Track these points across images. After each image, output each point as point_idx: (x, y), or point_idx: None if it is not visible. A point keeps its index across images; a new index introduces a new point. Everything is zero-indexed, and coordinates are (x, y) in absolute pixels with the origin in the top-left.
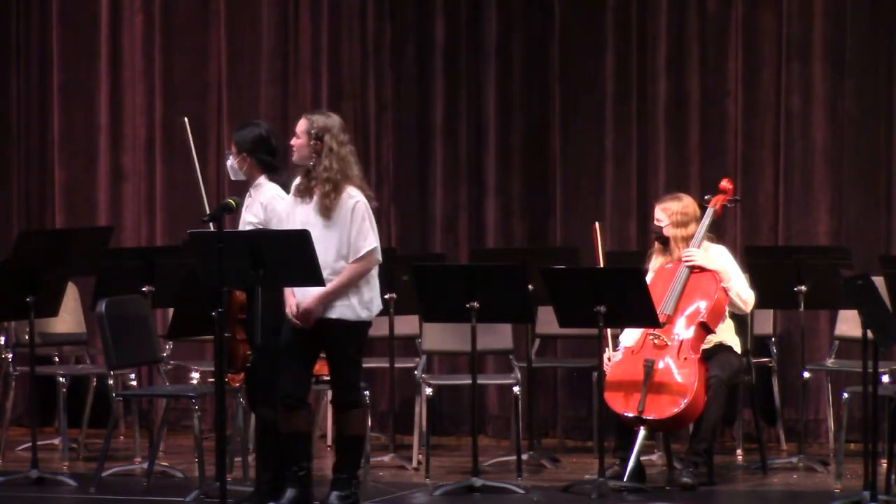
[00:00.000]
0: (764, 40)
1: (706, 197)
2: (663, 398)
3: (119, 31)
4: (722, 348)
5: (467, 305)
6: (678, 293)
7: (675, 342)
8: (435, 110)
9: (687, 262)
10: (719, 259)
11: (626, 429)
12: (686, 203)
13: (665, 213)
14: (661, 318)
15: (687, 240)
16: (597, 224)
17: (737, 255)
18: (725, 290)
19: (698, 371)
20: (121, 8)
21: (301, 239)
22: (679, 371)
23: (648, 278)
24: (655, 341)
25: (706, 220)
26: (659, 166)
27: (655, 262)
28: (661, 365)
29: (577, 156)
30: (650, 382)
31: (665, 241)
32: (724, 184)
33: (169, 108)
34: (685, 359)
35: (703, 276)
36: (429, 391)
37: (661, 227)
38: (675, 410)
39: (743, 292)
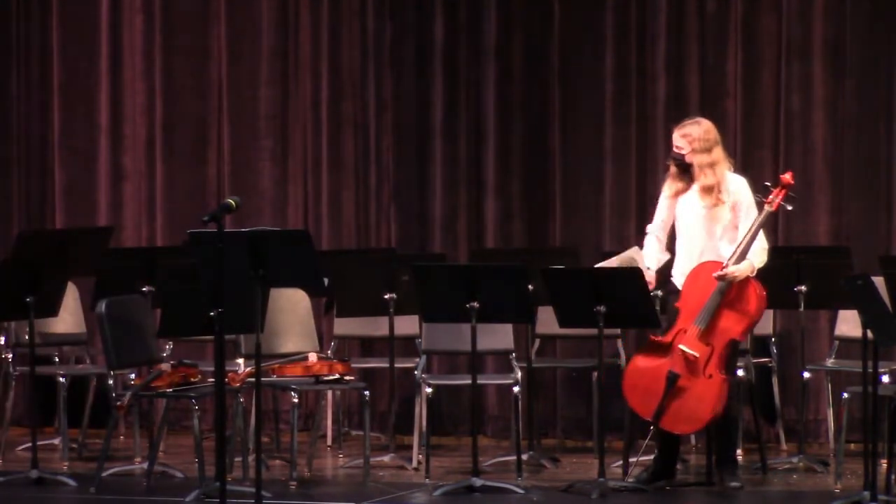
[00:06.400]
0: (764, 40)
1: (758, 196)
2: (681, 416)
3: (119, 31)
4: None
5: (467, 305)
6: (714, 308)
7: (702, 356)
8: (434, 110)
9: (723, 279)
10: (740, 193)
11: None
12: (707, 128)
13: (685, 140)
14: (695, 331)
15: (713, 166)
16: None
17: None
18: (765, 301)
19: (719, 391)
20: (121, 8)
21: (301, 238)
22: (701, 394)
23: (664, 204)
24: (686, 353)
25: (756, 224)
26: (659, 166)
27: (670, 189)
28: (684, 381)
29: (576, 156)
30: (670, 395)
31: (687, 168)
32: (787, 177)
33: (169, 108)
34: (710, 376)
35: (742, 292)
36: (429, 391)
37: (682, 155)
38: (689, 431)
39: (757, 262)
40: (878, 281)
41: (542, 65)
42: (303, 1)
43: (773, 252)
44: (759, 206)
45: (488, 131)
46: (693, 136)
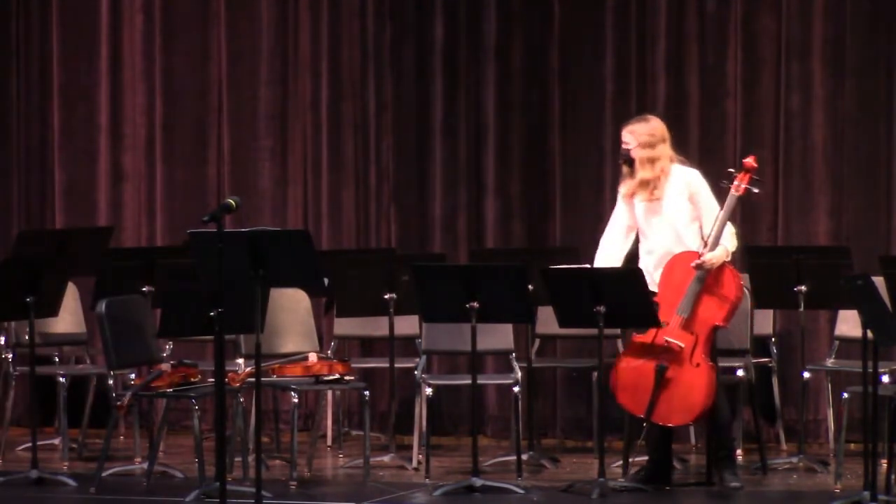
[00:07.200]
0: (763, 40)
1: (723, 182)
2: (674, 408)
3: (119, 31)
4: None
5: (467, 305)
6: (695, 296)
7: (688, 346)
8: (434, 110)
9: (701, 267)
10: (694, 184)
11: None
12: (654, 125)
13: (632, 136)
14: (678, 321)
15: (653, 162)
16: None
17: (736, 256)
18: (742, 287)
19: (708, 380)
20: (121, 8)
21: (301, 238)
22: (691, 383)
23: (619, 203)
24: (671, 343)
25: (724, 210)
26: None
27: (624, 188)
28: (672, 372)
29: (576, 156)
30: (660, 388)
31: (631, 163)
32: (750, 161)
33: (169, 108)
34: (698, 365)
35: (719, 278)
36: (429, 391)
37: (628, 150)
38: (683, 422)
39: (730, 247)
40: (878, 281)
41: (542, 65)
42: (303, 1)
43: (773, 252)
44: (726, 192)
45: (488, 131)
46: (638, 131)
